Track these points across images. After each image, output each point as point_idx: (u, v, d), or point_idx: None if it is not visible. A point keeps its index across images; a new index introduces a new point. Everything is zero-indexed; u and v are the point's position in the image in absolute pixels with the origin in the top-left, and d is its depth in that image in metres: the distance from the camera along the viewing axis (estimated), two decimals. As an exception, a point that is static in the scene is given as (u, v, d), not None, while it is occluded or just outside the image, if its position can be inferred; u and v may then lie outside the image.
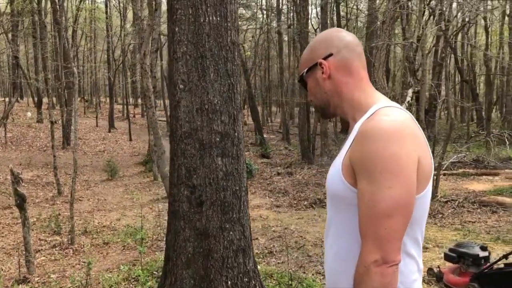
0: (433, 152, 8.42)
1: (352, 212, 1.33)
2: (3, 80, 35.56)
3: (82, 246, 6.85)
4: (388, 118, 1.27)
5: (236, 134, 3.43)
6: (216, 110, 3.34)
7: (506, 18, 21.64)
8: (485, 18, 20.91)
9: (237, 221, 3.39)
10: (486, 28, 22.84)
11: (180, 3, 3.28)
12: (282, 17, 27.17)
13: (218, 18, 3.29)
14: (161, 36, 22.61)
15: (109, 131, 24.56)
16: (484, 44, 22.26)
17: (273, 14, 27.80)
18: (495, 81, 26.10)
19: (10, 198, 10.39)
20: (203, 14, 3.25)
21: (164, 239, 6.84)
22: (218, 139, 3.34)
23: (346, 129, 25.29)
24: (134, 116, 31.63)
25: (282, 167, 14.78)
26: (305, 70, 1.51)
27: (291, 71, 26.76)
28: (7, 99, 24.78)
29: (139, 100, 37.18)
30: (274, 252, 6.14)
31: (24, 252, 5.51)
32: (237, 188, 3.41)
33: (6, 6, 22.79)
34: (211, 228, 3.30)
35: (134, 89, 37.58)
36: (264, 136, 22.46)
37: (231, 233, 3.34)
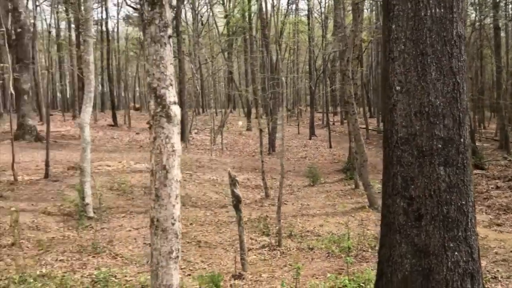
0: None
1: None
2: (220, 93, 40.19)
3: (288, 249, 7.08)
4: None
5: (461, 140, 3.00)
6: (438, 113, 2.97)
7: None
8: None
9: (463, 240, 2.95)
10: None
11: (397, -2, 3.03)
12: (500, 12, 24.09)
13: (442, 10, 2.93)
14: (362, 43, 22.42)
15: (310, 138, 25.35)
16: None
17: (487, 9, 24.87)
18: None
19: (226, 198, 11.49)
20: (425, 7, 2.93)
21: (370, 250, 6.60)
22: (440, 145, 2.97)
23: None
24: (333, 124, 32.05)
25: (502, 180, 12.95)
26: None
27: (510, 70, 23.50)
28: (223, 110, 27.91)
29: (338, 108, 37.56)
30: (500, 278, 5.30)
31: (239, 250, 5.93)
32: (463, 202, 2.97)
33: (224, 28, 25.59)
34: (432, 246, 2.94)
35: (333, 97, 38.18)
36: (476, 144, 20.15)
37: (456, 253, 2.92)
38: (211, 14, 33.06)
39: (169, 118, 2.27)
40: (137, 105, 42.49)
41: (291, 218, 9.55)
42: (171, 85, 2.30)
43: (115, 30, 39.76)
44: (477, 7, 24.61)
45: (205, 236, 7.96)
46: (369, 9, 31.67)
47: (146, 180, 12.51)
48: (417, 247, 2.97)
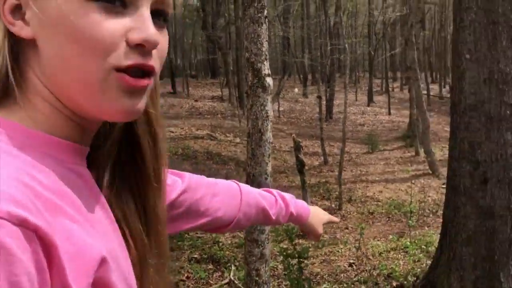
0: None
1: None
2: (276, 60, 40.10)
3: (349, 213, 7.33)
4: None
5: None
6: (508, 80, 3.05)
7: None
8: None
9: (528, 202, 3.07)
10: None
11: (469, -34, 3.08)
12: None
13: (516, -22, 2.96)
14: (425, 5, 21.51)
15: (368, 105, 25.01)
16: None
17: None
18: None
19: (284, 163, 11.82)
20: (497, -25, 2.98)
21: (431, 216, 6.72)
22: (508, 112, 3.06)
23: None
24: (392, 90, 31.25)
25: None
26: None
27: None
28: (279, 77, 27.97)
29: (398, 74, 36.49)
30: None
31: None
32: (529, 167, 3.08)
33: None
34: (497, 208, 3.09)
35: (392, 63, 37.06)
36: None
37: (521, 215, 3.06)
38: (267, -21, 32.68)
39: (264, 88, 2.58)
40: (193, 73, 43.29)
41: (350, 184, 9.73)
42: (266, 59, 2.59)
43: (173, -2, 40.16)
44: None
45: (267, 199, 8.34)
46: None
47: (208, 146, 13.06)
48: (481, 208, 3.12)
